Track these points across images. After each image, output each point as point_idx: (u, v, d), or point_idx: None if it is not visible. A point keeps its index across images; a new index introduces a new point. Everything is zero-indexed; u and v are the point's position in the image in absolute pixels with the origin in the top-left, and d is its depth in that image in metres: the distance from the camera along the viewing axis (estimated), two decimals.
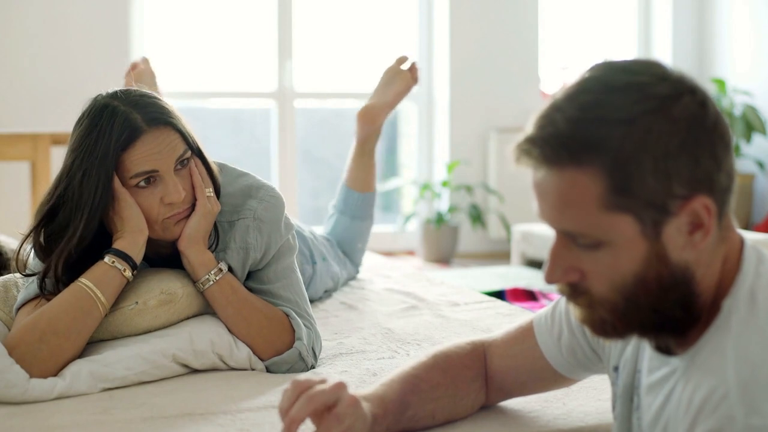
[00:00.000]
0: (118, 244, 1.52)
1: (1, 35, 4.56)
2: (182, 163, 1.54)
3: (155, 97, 1.55)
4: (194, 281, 1.59)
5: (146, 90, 1.57)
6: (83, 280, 1.49)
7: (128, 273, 1.52)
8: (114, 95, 1.53)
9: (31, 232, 1.53)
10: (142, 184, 1.51)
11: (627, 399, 1.10)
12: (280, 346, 1.58)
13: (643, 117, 0.90)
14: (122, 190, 1.51)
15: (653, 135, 0.89)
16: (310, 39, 5.35)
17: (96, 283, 1.49)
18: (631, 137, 0.89)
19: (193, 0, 5.22)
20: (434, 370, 1.27)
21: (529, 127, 0.95)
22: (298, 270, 1.71)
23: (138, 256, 1.53)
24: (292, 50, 5.23)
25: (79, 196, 1.49)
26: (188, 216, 1.57)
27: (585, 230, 0.92)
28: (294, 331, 1.60)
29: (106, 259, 1.51)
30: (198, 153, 1.59)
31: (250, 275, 1.66)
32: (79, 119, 1.54)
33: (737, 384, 0.88)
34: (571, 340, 1.23)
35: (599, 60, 0.97)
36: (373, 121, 2.46)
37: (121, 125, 1.49)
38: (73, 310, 1.47)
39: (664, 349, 1.02)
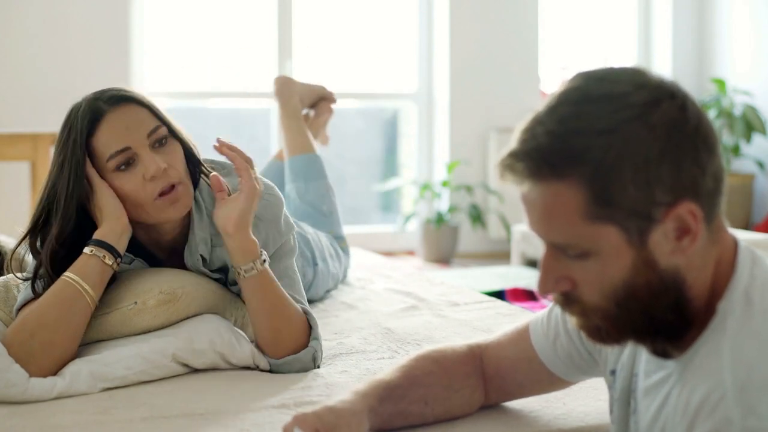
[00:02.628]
0: (97, 234, 1.52)
1: (1, 35, 4.56)
2: (160, 141, 1.54)
3: (123, 87, 1.57)
4: (234, 266, 1.54)
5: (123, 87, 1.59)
6: (67, 273, 1.49)
7: (109, 260, 1.51)
8: (87, 96, 1.56)
9: (26, 235, 1.54)
10: (122, 167, 1.51)
11: (624, 402, 1.10)
12: (295, 346, 1.57)
13: (622, 126, 0.90)
14: (98, 180, 1.52)
15: (632, 144, 0.89)
16: (310, 39, 5.35)
17: (78, 274, 1.49)
18: (610, 147, 0.89)
19: (193, 0, 5.22)
20: (427, 360, 1.29)
21: (512, 142, 0.95)
22: (298, 271, 1.70)
23: (118, 242, 1.52)
24: (292, 50, 5.23)
25: (58, 191, 1.51)
26: (179, 194, 1.54)
27: (571, 241, 0.93)
28: (310, 329, 1.59)
29: (86, 249, 1.51)
30: (174, 134, 1.57)
31: None
32: (62, 127, 1.56)
33: (734, 386, 0.88)
34: (567, 344, 1.23)
35: (580, 70, 0.97)
36: (287, 80, 2.63)
37: (84, 113, 1.51)
38: (59, 302, 1.47)
39: (661, 353, 1.02)
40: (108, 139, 1.50)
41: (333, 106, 2.71)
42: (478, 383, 1.32)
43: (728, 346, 0.91)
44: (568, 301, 0.98)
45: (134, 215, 1.56)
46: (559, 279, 0.96)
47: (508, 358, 1.30)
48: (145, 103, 1.55)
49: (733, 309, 0.93)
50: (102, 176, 1.53)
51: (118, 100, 1.53)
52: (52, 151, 3.48)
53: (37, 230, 1.53)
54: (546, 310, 1.28)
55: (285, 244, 1.67)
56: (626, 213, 0.90)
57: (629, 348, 1.10)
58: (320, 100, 2.68)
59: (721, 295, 0.95)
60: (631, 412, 1.08)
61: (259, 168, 1.69)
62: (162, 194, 1.52)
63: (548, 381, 1.29)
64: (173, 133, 1.57)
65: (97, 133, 1.51)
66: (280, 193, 1.69)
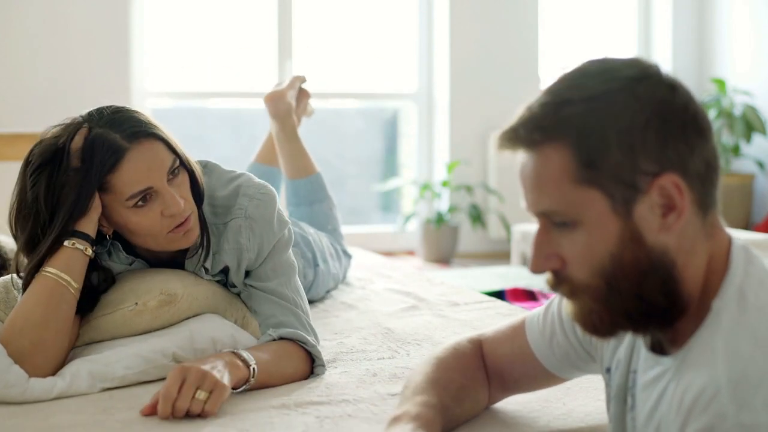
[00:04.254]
0: (75, 225, 1.48)
1: (1, 35, 4.55)
2: (173, 172, 1.51)
3: (130, 111, 1.51)
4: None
5: (120, 105, 1.52)
6: (49, 270, 1.47)
7: (89, 251, 1.49)
8: (87, 117, 1.49)
9: (17, 254, 1.53)
10: (140, 203, 1.48)
11: (621, 400, 1.11)
12: (303, 376, 1.57)
13: (607, 94, 0.94)
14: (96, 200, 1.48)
15: (616, 110, 0.93)
16: (310, 39, 5.36)
17: (61, 268, 1.47)
18: (595, 112, 0.93)
19: (193, 0, 5.22)
20: (454, 372, 1.28)
21: (512, 118, 0.99)
22: (295, 263, 1.69)
23: (94, 230, 1.50)
24: (292, 50, 5.23)
25: (52, 212, 1.46)
26: (191, 224, 1.53)
27: (559, 207, 0.95)
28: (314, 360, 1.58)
29: (67, 242, 1.48)
30: (183, 162, 1.54)
31: (247, 273, 1.66)
32: (48, 142, 1.49)
33: (728, 381, 0.88)
34: (563, 341, 1.24)
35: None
36: (280, 98, 2.46)
37: (101, 149, 1.44)
38: (45, 300, 1.46)
39: (658, 349, 1.02)
40: (130, 180, 1.46)
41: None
42: (486, 383, 1.32)
43: (723, 342, 0.91)
44: (559, 281, 0.99)
45: (141, 243, 1.56)
46: (549, 256, 0.98)
47: (505, 355, 1.30)
48: (161, 136, 1.49)
49: (727, 306, 0.94)
50: (113, 207, 1.49)
51: (138, 135, 1.46)
52: None
53: (28, 252, 1.51)
54: (542, 307, 1.28)
55: (279, 240, 1.66)
56: (611, 178, 0.93)
57: (625, 345, 1.10)
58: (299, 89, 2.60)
59: (715, 292, 0.96)
60: (628, 409, 1.08)
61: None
62: (176, 227, 1.52)
63: (544, 378, 1.29)
64: (182, 161, 1.54)
65: (117, 172, 1.45)
66: (273, 189, 1.67)
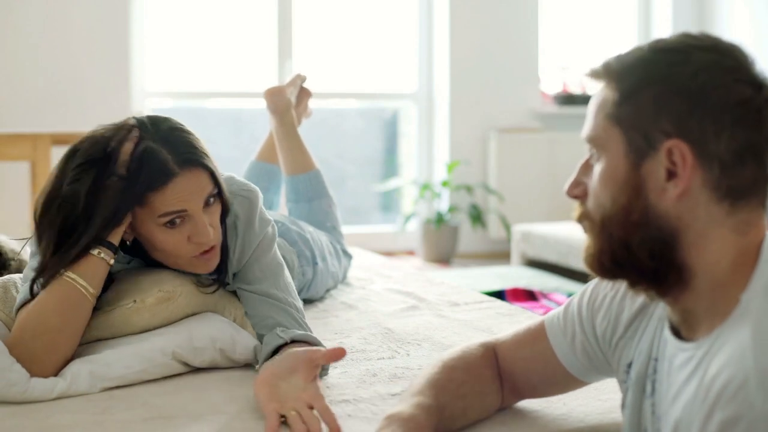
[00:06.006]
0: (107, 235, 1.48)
1: (1, 35, 4.56)
2: (209, 201, 1.52)
3: (186, 132, 1.51)
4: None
5: (176, 122, 1.52)
6: (70, 275, 1.46)
7: (111, 260, 1.50)
8: (140, 124, 1.49)
9: (30, 238, 1.53)
10: (169, 225, 1.49)
11: (639, 389, 1.11)
12: None
13: (670, 52, 0.98)
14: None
15: (663, 63, 0.97)
16: (310, 39, 5.36)
17: (83, 276, 1.47)
18: (646, 60, 0.99)
19: (193, 0, 5.22)
20: (456, 370, 1.28)
21: None
22: (282, 261, 1.69)
23: (119, 241, 1.51)
24: (292, 50, 5.24)
25: (89, 215, 1.45)
26: (214, 253, 1.54)
27: (593, 134, 1.03)
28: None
29: (93, 251, 1.47)
30: (220, 193, 1.55)
31: (235, 276, 1.65)
32: (97, 140, 1.48)
33: (757, 371, 0.88)
34: (584, 341, 1.24)
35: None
36: (279, 93, 2.47)
37: (151, 166, 1.44)
38: (63, 305, 1.45)
39: (678, 334, 1.03)
40: (169, 200, 1.46)
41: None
42: (499, 386, 1.32)
43: (751, 333, 0.91)
44: (580, 208, 1.06)
45: (161, 258, 1.57)
46: (578, 183, 1.06)
47: (523, 358, 1.30)
48: (209, 166, 1.50)
49: (756, 298, 0.94)
50: (144, 220, 1.49)
51: (190, 163, 1.47)
52: (52, 151, 3.51)
53: (56, 249, 1.49)
54: (561, 308, 1.28)
55: (263, 239, 1.65)
56: (632, 123, 0.98)
57: (648, 334, 1.11)
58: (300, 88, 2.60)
59: (743, 286, 0.96)
60: (646, 396, 1.09)
61: (240, 173, 1.68)
62: (201, 253, 1.54)
63: (563, 382, 1.29)
64: (220, 192, 1.55)
65: (160, 191, 1.46)
66: (256, 188, 1.67)
